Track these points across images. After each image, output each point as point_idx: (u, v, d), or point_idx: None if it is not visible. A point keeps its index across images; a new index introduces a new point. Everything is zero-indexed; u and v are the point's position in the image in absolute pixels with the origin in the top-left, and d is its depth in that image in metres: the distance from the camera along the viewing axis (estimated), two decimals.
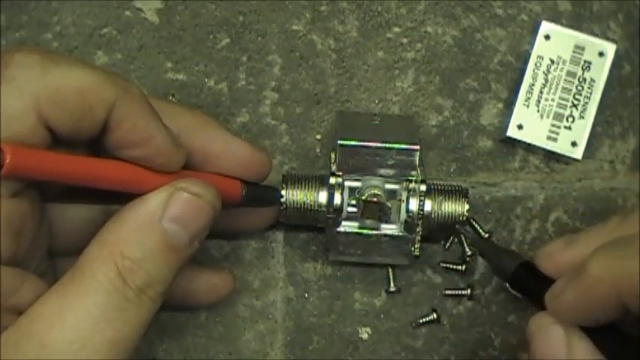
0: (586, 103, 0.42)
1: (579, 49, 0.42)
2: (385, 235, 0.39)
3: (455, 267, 0.42)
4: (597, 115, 0.42)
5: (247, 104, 0.42)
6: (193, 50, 0.42)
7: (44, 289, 0.29)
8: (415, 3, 0.43)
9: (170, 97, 0.42)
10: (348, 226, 0.39)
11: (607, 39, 0.43)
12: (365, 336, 0.42)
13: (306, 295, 0.42)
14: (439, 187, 0.39)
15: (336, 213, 0.38)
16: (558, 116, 0.42)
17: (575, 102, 0.42)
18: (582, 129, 0.42)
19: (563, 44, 0.42)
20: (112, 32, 0.42)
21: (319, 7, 0.43)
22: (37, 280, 0.30)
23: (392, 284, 0.42)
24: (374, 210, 0.38)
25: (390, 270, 0.42)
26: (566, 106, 0.42)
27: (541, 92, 0.42)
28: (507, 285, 0.40)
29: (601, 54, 0.42)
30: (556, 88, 0.42)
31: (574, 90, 0.42)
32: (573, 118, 0.42)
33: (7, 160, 0.25)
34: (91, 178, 0.29)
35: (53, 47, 0.42)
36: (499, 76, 0.43)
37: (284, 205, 0.39)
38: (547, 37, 0.42)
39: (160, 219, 0.30)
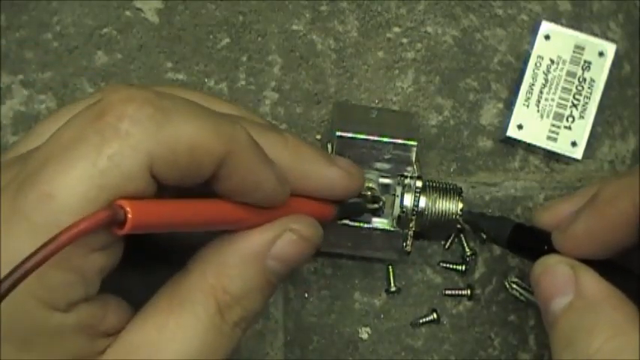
0: (586, 103, 0.42)
1: (579, 49, 0.42)
2: (377, 229, 0.39)
3: (455, 267, 0.42)
4: (597, 115, 0.42)
5: (247, 104, 0.42)
6: (193, 50, 0.43)
7: (125, 307, 0.29)
8: (415, 3, 0.43)
9: None
10: None
11: (607, 39, 0.43)
12: (365, 336, 0.42)
13: (306, 295, 0.42)
14: (434, 185, 0.39)
15: None
16: (558, 116, 0.42)
17: (575, 102, 0.42)
18: (582, 129, 0.42)
19: (563, 44, 0.42)
20: (112, 32, 0.42)
21: (319, 7, 0.43)
22: (117, 301, 0.29)
23: (392, 284, 0.42)
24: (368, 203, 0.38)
25: (390, 270, 0.42)
26: (566, 106, 0.42)
27: (541, 92, 0.42)
28: (507, 280, 0.40)
29: (601, 54, 0.42)
30: (556, 88, 0.42)
31: (574, 90, 0.42)
32: (573, 118, 0.42)
33: (129, 219, 0.24)
34: (201, 223, 0.28)
35: (53, 47, 0.42)
36: (499, 76, 0.43)
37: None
38: (547, 37, 0.42)
39: (265, 257, 0.30)
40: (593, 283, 0.31)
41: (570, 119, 0.42)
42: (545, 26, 0.42)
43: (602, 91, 0.42)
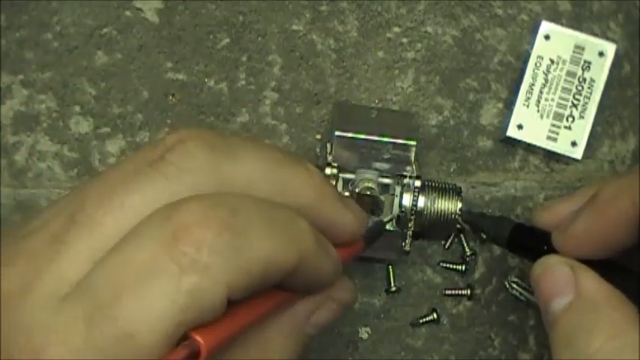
0: (586, 103, 0.42)
1: (579, 49, 0.42)
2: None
3: (455, 267, 0.42)
4: (597, 115, 0.42)
5: (247, 104, 0.42)
6: (193, 50, 0.42)
7: None
8: (415, 3, 0.43)
9: (170, 97, 0.42)
10: None
11: (607, 39, 0.43)
12: (365, 336, 0.42)
13: None
14: (433, 185, 0.39)
15: None
16: (558, 116, 0.42)
17: (575, 102, 0.42)
18: (582, 129, 0.42)
19: (563, 44, 0.42)
20: (112, 32, 0.42)
21: (319, 7, 0.43)
22: None
23: (392, 284, 0.42)
24: (367, 203, 0.38)
25: (390, 270, 0.42)
26: (566, 106, 0.42)
27: (541, 92, 0.42)
28: (507, 281, 0.40)
29: (601, 54, 0.42)
30: (556, 88, 0.42)
31: (574, 90, 0.42)
32: (573, 118, 0.42)
33: (203, 350, 0.24)
34: (263, 319, 0.29)
35: (53, 47, 0.42)
36: (499, 76, 0.43)
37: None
38: (547, 37, 0.42)
39: (305, 325, 0.31)
40: (593, 283, 0.31)
41: (570, 119, 0.42)
42: (545, 26, 0.42)
43: (602, 91, 0.42)
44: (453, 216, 0.39)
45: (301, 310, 0.30)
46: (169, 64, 0.42)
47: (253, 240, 0.25)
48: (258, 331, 0.29)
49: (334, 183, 0.38)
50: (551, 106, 0.42)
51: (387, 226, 0.39)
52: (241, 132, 0.42)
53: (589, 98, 0.42)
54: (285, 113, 0.43)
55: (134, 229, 0.25)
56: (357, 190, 0.38)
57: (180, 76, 0.42)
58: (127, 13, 0.42)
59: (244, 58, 0.43)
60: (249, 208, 0.26)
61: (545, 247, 0.34)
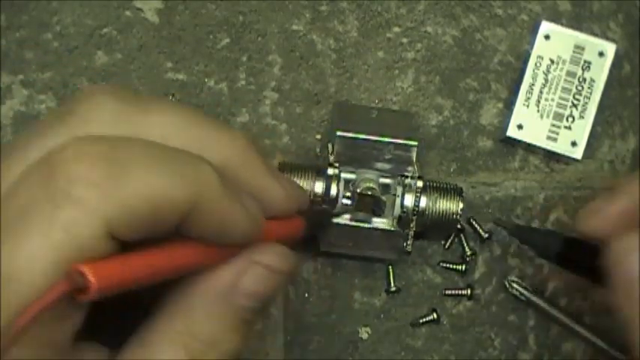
0: (586, 103, 0.42)
1: (579, 49, 0.42)
2: (378, 229, 0.39)
3: (455, 267, 0.42)
4: (597, 115, 0.42)
5: (247, 104, 0.42)
6: (193, 50, 0.42)
7: (103, 354, 0.27)
8: (415, 3, 0.43)
9: (170, 97, 0.42)
10: (341, 218, 0.39)
11: (607, 39, 0.43)
12: (365, 336, 0.42)
13: (306, 295, 0.42)
14: (434, 185, 0.39)
15: (330, 204, 0.38)
16: (558, 116, 0.42)
17: (575, 102, 0.42)
18: (582, 129, 0.42)
19: (563, 44, 0.42)
20: (112, 32, 0.42)
21: (319, 7, 0.43)
22: (94, 350, 0.27)
23: (392, 284, 0.42)
24: (368, 203, 0.38)
25: (390, 269, 0.42)
26: (566, 106, 0.42)
27: (541, 92, 0.42)
28: (522, 287, 0.40)
29: (601, 54, 0.42)
30: (556, 88, 0.42)
31: (574, 90, 0.42)
32: (573, 118, 0.42)
33: (92, 285, 0.23)
34: (170, 272, 0.27)
35: (53, 47, 0.42)
36: (499, 76, 0.43)
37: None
38: (547, 37, 0.42)
39: (232, 295, 0.28)
40: None
41: (570, 119, 0.42)
42: (545, 26, 0.42)
43: (602, 91, 0.42)
44: (455, 216, 0.39)
45: (223, 275, 0.28)
46: (169, 64, 0.42)
47: (135, 173, 0.24)
48: (179, 296, 0.28)
49: (335, 183, 0.38)
50: (551, 106, 0.42)
51: (387, 225, 0.39)
52: None
53: (589, 98, 0.42)
54: (285, 113, 0.43)
55: (19, 175, 0.25)
56: (358, 191, 0.38)
57: (180, 76, 0.42)
58: (127, 13, 0.42)
59: (244, 58, 0.43)
60: (135, 144, 0.25)
61: (597, 262, 0.32)
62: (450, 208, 0.39)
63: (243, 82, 0.43)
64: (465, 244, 0.42)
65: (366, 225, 0.39)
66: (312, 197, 0.38)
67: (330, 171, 0.38)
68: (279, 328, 0.42)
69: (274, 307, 0.42)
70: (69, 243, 0.23)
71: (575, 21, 0.43)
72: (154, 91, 0.42)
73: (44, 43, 0.42)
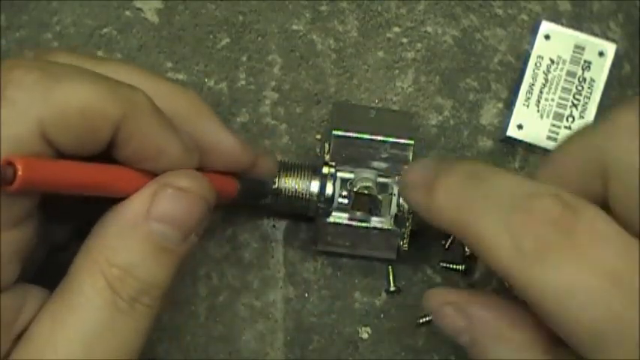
0: (586, 103, 0.42)
1: (579, 49, 0.42)
2: (374, 228, 0.39)
3: (455, 267, 0.42)
4: (597, 115, 0.42)
5: (247, 104, 0.42)
6: (193, 50, 0.43)
7: (47, 296, 0.28)
8: (415, 3, 0.43)
9: None
10: (337, 217, 0.39)
11: (607, 39, 0.43)
12: (365, 336, 0.42)
13: (306, 295, 0.42)
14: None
15: (326, 203, 0.39)
16: (558, 116, 0.42)
17: (575, 102, 0.42)
18: None
19: (563, 44, 0.42)
20: (112, 32, 0.42)
21: (319, 7, 0.43)
22: (38, 292, 0.28)
23: (392, 284, 0.42)
24: (365, 202, 0.38)
25: (390, 269, 0.42)
26: (566, 106, 0.42)
27: (541, 92, 0.42)
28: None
29: (601, 54, 0.42)
30: (556, 88, 0.42)
31: (574, 90, 0.42)
32: (573, 118, 0.42)
33: (19, 175, 0.24)
34: (97, 186, 0.27)
35: (53, 47, 0.42)
36: (499, 76, 0.43)
37: (276, 192, 0.39)
38: (547, 37, 0.42)
39: (145, 220, 0.28)
40: (482, 318, 0.31)
41: (570, 119, 0.42)
42: (545, 26, 0.42)
43: (602, 91, 0.42)
44: None
45: (136, 201, 0.28)
46: (169, 64, 0.42)
47: (67, 83, 0.26)
48: (99, 229, 0.28)
49: (331, 182, 0.38)
50: (552, 106, 0.42)
51: (384, 224, 0.39)
52: (241, 132, 0.42)
53: (589, 98, 0.42)
54: (285, 113, 0.43)
55: None
56: (354, 189, 0.38)
57: (180, 76, 0.42)
58: (127, 13, 0.42)
59: (244, 58, 0.43)
60: (71, 65, 0.27)
61: None
62: None
63: (243, 82, 0.43)
64: (465, 244, 0.42)
65: (363, 224, 0.39)
66: (308, 196, 0.39)
67: (325, 169, 0.38)
68: (279, 328, 0.42)
69: (274, 307, 0.42)
70: (4, 140, 0.25)
71: (575, 21, 0.43)
72: None
73: (44, 43, 0.42)
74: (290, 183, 0.39)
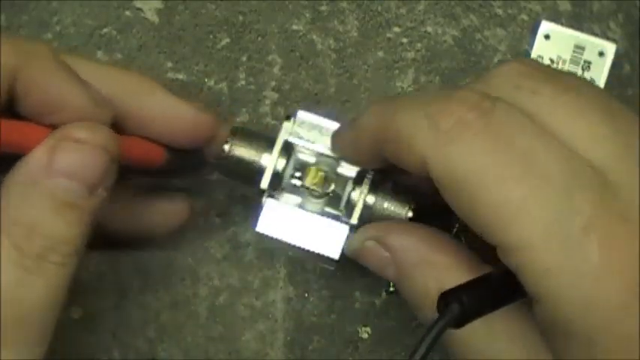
0: None
1: (579, 49, 0.42)
2: (323, 220, 0.36)
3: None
4: None
5: (247, 104, 0.42)
6: (193, 50, 0.43)
7: None
8: (415, 3, 0.43)
9: None
10: (285, 198, 0.36)
11: (607, 39, 0.43)
12: (365, 336, 0.42)
13: (306, 295, 0.42)
14: (388, 185, 0.36)
15: (276, 179, 0.36)
16: None
17: None
18: None
19: (563, 44, 0.42)
20: (112, 32, 0.42)
21: (319, 7, 0.43)
22: None
23: (392, 284, 0.42)
24: (318, 182, 0.36)
25: None
26: None
27: None
28: None
29: (601, 54, 0.42)
30: None
31: None
32: None
33: None
34: (2, 143, 0.27)
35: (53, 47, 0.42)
36: None
37: (224, 157, 0.36)
38: (547, 37, 0.42)
39: (46, 175, 0.27)
40: (403, 246, 0.32)
41: None
42: (545, 26, 0.43)
43: None
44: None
45: (36, 156, 0.27)
46: (169, 64, 0.42)
47: None
48: (1, 188, 0.28)
49: (285, 158, 0.36)
50: None
51: (329, 217, 0.36)
52: None
53: None
54: (285, 113, 0.43)
55: None
56: (308, 167, 0.36)
57: (180, 76, 0.42)
58: (127, 13, 0.42)
59: (244, 58, 0.43)
60: None
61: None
62: (398, 213, 0.36)
63: (243, 82, 0.43)
64: (466, 245, 0.42)
65: (312, 211, 0.36)
66: (257, 168, 0.36)
67: (279, 145, 0.36)
68: (279, 328, 0.42)
69: (274, 307, 0.42)
70: None
71: (575, 21, 0.43)
72: None
73: None
74: (242, 151, 0.36)
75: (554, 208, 0.25)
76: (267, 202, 0.36)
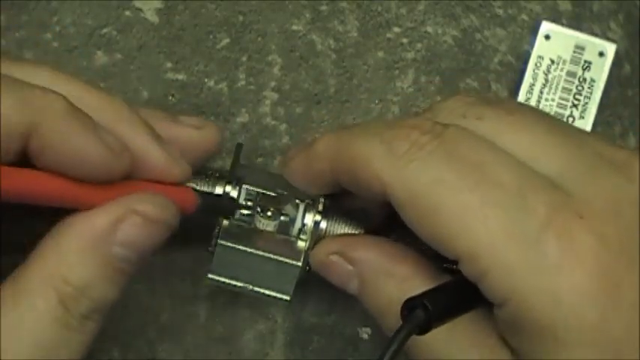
0: (586, 103, 0.42)
1: (579, 49, 0.42)
2: (272, 258, 0.36)
3: (455, 267, 0.42)
4: (597, 115, 0.42)
5: (247, 104, 0.42)
6: (193, 50, 0.42)
7: None
8: (415, 3, 0.43)
9: (170, 97, 0.42)
10: (234, 241, 0.36)
11: (607, 39, 0.43)
12: (365, 336, 0.42)
13: (306, 295, 0.42)
14: (339, 212, 0.36)
15: (232, 205, 0.35)
16: (558, 116, 0.42)
17: (576, 102, 0.42)
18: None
19: (563, 44, 0.42)
20: (112, 32, 0.42)
21: (319, 7, 0.43)
22: None
23: None
24: (270, 204, 0.35)
25: None
26: (566, 106, 0.42)
27: (541, 92, 0.42)
28: None
29: (601, 54, 0.42)
30: (556, 88, 0.42)
31: (574, 90, 0.42)
32: (573, 118, 0.42)
33: None
34: (17, 192, 0.26)
35: (53, 47, 0.42)
36: (499, 76, 0.43)
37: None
38: (547, 37, 0.42)
39: (107, 244, 0.28)
40: (367, 258, 0.33)
41: (570, 119, 0.42)
42: (545, 26, 0.42)
43: (602, 91, 0.42)
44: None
45: (98, 221, 0.27)
46: (169, 64, 0.42)
47: None
48: (55, 240, 0.28)
49: (237, 190, 0.35)
50: (552, 106, 0.42)
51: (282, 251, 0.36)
52: (241, 132, 0.42)
53: (589, 98, 0.42)
54: (285, 113, 0.43)
55: None
56: (258, 191, 0.36)
57: (180, 76, 0.42)
58: (127, 13, 0.42)
59: (244, 58, 0.43)
60: None
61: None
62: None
63: (243, 82, 0.43)
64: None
65: (262, 253, 0.35)
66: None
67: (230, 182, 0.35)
68: (279, 328, 0.42)
69: (274, 307, 0.42)
70: None
71: (576, 21, 0.43)
72: (154, 91, 0.42)
73: (44, 43, 0.42)
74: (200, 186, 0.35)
75: (510, 211, 0.27)
76: (218, 248, 0.36)
